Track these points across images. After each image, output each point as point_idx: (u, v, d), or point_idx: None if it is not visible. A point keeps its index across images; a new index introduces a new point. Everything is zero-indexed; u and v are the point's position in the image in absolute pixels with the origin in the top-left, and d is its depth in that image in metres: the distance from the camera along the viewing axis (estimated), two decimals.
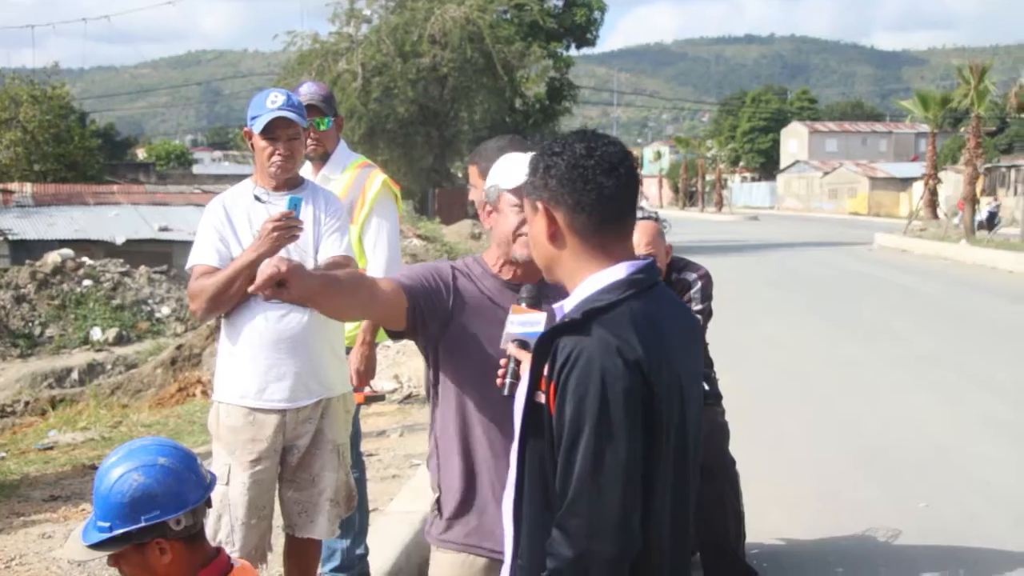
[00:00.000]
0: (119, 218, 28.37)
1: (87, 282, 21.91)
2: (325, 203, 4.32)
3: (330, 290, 2.72)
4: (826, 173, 78.89)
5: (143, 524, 2.68)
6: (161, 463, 2.74)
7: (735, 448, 5.48)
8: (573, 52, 42.31)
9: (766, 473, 7.50)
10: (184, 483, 2.75)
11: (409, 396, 10.75)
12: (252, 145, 4.25)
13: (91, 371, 18.75)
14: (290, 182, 4.27)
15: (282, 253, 4.11)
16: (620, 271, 2.26)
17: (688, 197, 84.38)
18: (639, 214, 5.07)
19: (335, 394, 4.27)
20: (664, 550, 2.27)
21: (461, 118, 36.88)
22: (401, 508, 6.37)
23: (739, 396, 9.42)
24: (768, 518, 6.47)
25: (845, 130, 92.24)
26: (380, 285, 2.92)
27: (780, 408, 10.24)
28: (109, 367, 19.01)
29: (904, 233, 36.41)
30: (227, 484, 4.10)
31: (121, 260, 23.64)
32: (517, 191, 2.94)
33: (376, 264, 4.95)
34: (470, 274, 3.10)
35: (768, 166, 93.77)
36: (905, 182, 66.72)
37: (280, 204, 4.07)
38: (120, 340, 20.69)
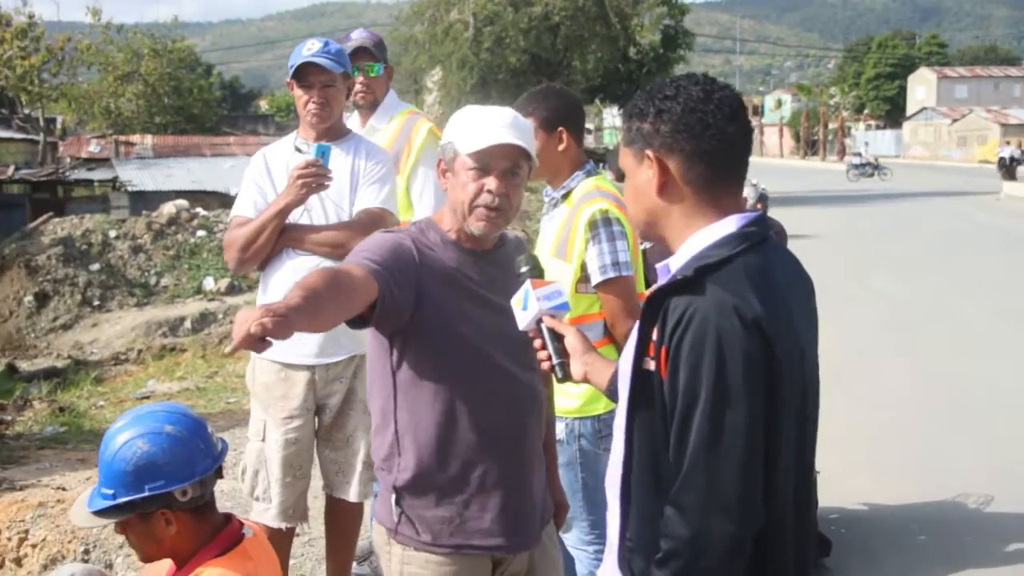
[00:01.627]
0: (234, 169, 28.81)
1: (201, 232, 22.26)
2: (367, 153, 4.19)
3: (315, 310, 2.45)
4: (955, 120, 76.14)
5: (147, 494, 2.61)
6: (168, 431, 2.66)
7: (824, 406, 5.19)
8: None
9: (856, 433, 7.20)
10: (192, 452, 2.66)
11: None
12: (294, 96, 4.15)
13: (203, 320, 19.07)
14: (332, 132, 4.16)
15: (314, 202, 3.98)
16: (730, 224, 2.08)
17: (809, 146, 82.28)
18: None
19: (366, 351, 4.12)
20: (787, 526, 2.08)
21: (574, 68, 36.38)
22: None
23: (836, 350, 9.09)
24: (854, 482, 6.22)
25: (976, 75, 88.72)
26: (353, 274, 2.60)
27: (878, 364, 9.85)
28: (220, 316, 19.33)
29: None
30: (263, 440, 4.04)
31: None
32: (478, 156, 2.71)
33: (422, 214, 4.79)
34: (429, 244, 2.82)
35: (894, 113, 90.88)
36: None
37: None
38: (232, 290, 20.99)
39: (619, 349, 3.68)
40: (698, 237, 2.11)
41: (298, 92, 4.08)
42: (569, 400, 3.79)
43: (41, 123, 35.04)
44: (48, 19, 38.48)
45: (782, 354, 1.98)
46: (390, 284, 2.65)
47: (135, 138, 33.53)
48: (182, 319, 19.20)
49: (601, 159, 39.12)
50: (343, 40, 4.84)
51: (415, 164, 4.83)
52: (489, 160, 2.72)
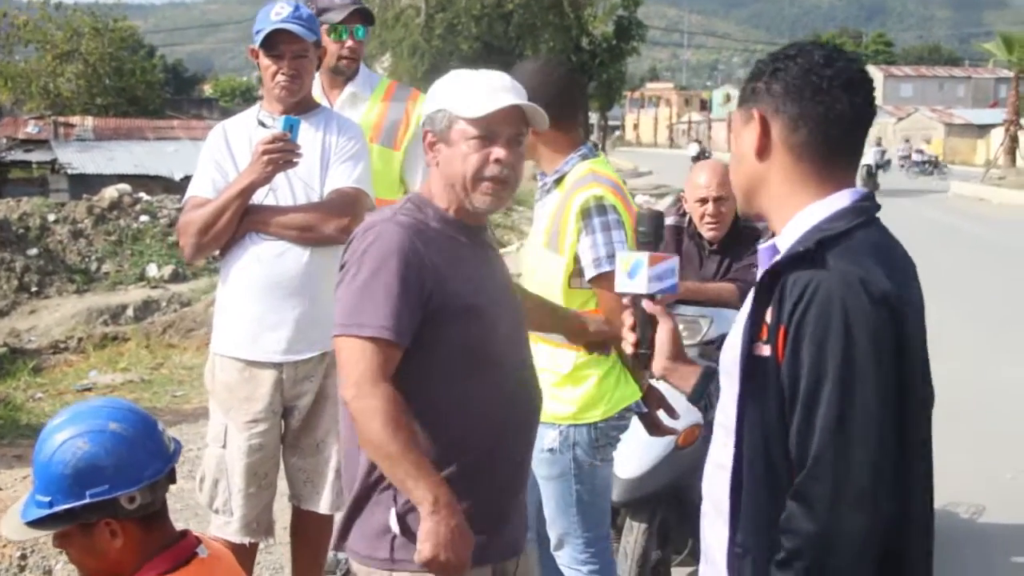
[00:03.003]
0: (178, 153, 28.17)
1: (144, 218, 21.71)
2: (339, 128, 3.78)
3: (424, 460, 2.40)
4: (900, 119, 76.94)
5: (89, 500, 2.24)
6: (112, 429, 2.29)
7: None
8: None
9: None
10: (140, 453, 2.29)
11: None
12: (259, 65, 3.73)
13: (146, 308, 18.57)
14: (301, 106, 3.75)
15: (280, 181, 3.59)
16: (844, 197, 1.97)
17: None
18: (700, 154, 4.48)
19: None
20: (916, 517, 1.94)
21: (526, 56, 36.09)
22: None
23: None
24: None
25: (921, 75, 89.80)
26: (397, 401, 2.39)
27: None
28: (164, 304, 18.81)
29: (982, 181, 35.20)
30: (223, 447, 3.65)
31: (179, 196, 23.41)
32: (482, 122, 2.45)
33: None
34: (427, 227, 2.51)
35: None
36: (983, 129, 64.79)
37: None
38: (176, 277, 20.49)
39: (618, 349, 3.36)
40: (809, 210, 1.97)
41: (265, 62, 3.67)
42: (563, 405, 3.45)
43: None
44: None
45: (910, 330, 1.86)
46: (409, 330, 2.43)
47: (75, 120, 32.60)
48: (124, 307, 18.67)
49: None
50: None
51: (413, 138, 4.39)
52: (494, 127, 2.48)
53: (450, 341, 2.48)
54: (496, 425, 2.55)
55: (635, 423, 3.57)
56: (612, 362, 3.46)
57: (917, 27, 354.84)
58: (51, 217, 19.82)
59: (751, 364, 1.91)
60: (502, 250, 3.33)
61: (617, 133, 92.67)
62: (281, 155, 3.49)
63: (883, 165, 38.58)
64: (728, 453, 1.97)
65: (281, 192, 3.66)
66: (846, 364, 1.78)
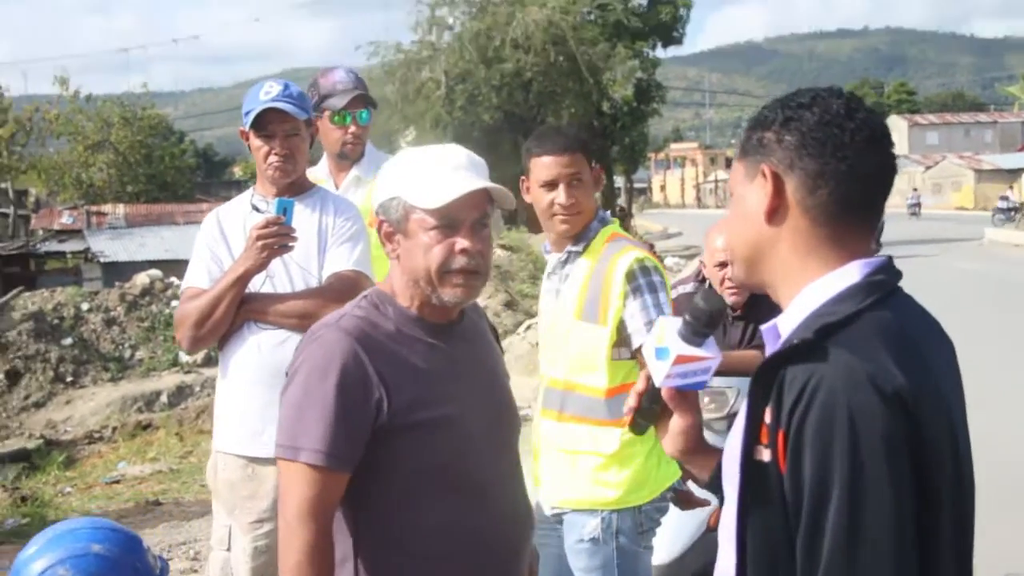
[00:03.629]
0: None
1: (175, 303, 21.81)
2: (335, 208, 3.69)
3: None
4: (928, 167, 76.55)
5: None
6: (95, 551, 2.19)
7: None
8: (660, 52, 41.44)
9: None
10: (126, 575, 2.18)
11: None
12: (250, 147, 3.67)
13: (180, 393, 18.57)
14: (295, 187, 3.67)
15: (277, 267, 3.51)
16: (853, 272, 1.70)
17: None
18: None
19: None
20: None
21: (548, 123, 36.30)
22: None
23: None
24: None
25: (947, 122, 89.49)
26: (326, 531, 2.19)
27: None
28: (197, 389, 18.81)
29: (1016, 227, 34.83)
30: (228, 550, 3.51)
31: None
32: (442, 212, 2.21)
33: None
34: (380, 330, 2.27)
35: None
36: (1013, 173, 64.25)
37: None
38: (209, 361, 20.45)
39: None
40: (813, 289, 1.71)
41: (256, 143, 3.60)
42: (607, 490, 3.29)
43: (10, 195, 34.54)
44: (16, 93, 38.24)
45: (930, 431, 1.59)
46: (351, 453, 2.19)
47: (107, 208, 33.07)
48: (158, 393, 18.66)
49: None
50: (325, 80, 4.37)
51: None
52: (456, 213, 2.23)
53: (409, 461, 2.23)
54: (472, 558, 2.28)
55: None
56: (653, 439, 3.35)
57: (939, 75, 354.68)
58: (84, 306, 19.98)
59: (751, 469, 1.67)
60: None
61: (644, 195, 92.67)
62: (276, 240, 3.40)
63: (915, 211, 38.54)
64: (731, 566, 1.74)
65: (278, 278, 3.57)
66: (854, 474, 1.55)
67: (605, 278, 3.32)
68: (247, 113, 3.61)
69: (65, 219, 32.96)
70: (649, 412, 2.01)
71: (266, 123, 3.57)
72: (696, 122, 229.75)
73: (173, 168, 41.21)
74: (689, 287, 4.58)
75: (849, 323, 1.63)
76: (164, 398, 18.53)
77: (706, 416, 4.46)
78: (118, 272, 24.95)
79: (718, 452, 2.04)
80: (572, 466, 3.35)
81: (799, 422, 1.57)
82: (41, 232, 32.05)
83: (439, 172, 2.24)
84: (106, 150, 38.72)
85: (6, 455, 12.63)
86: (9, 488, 9.87)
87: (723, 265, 4.33)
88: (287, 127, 3.58)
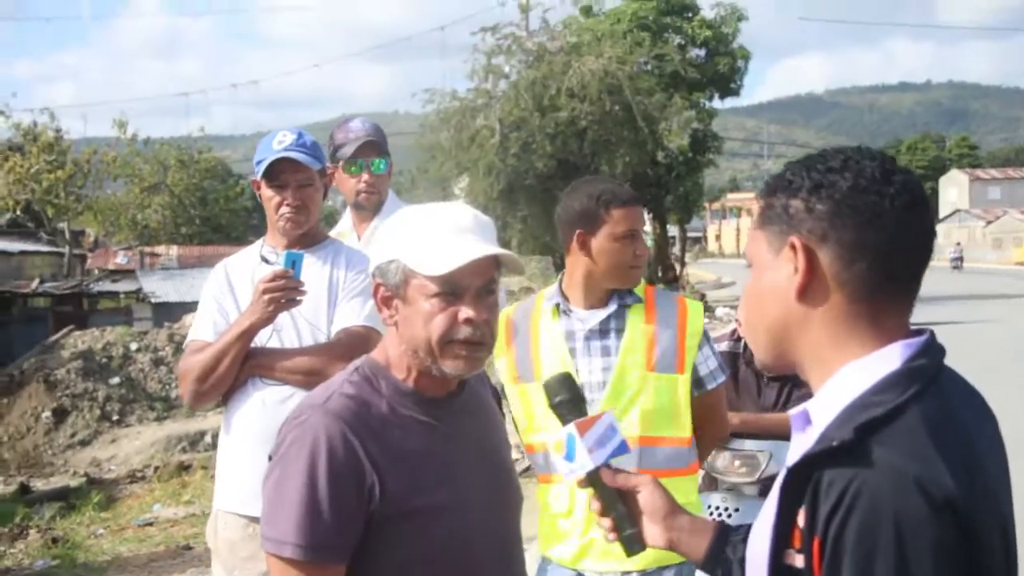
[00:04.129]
0: None
1: None
2: (348, 262, 3.55)
3: None
4: (989, 222, 75.65)
5: None
6: None
7: None
8: (717, 103, 41.35)
9: None
10: None
11: (527, 469, 9.89)
12: (261, 197, 3.55)
13: None
14: (306, 240, 3.54)
15: (284, 321, 3.36)
16: (894, 356, 1.54)
17: None
18: None
19: None
20: None
21: (602, 172, 36.18)
22: None
23: None
24: None
25: (1009, 176, 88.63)
26: None
27: None
28: None
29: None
30: None
31: None
32: (443, 279, 2.01)
33: None
34: (372, 408, 2.07)
35: None
36: None
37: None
38: None
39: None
40: (850, 374, 1.54)
41: (268, 193, 3.49)
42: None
43: (67, 235, 35.09)
44: (76, 136, 38.97)
45: (981, 541, 1.42)
46: (343, 545, 2.00)
47: (160, 249, 33.52)
48: (202, 433, 18.71)
49: None
50: (340, 130, 4.29)
51: None
52: (460, 280, 2.04)
53: (403, 550, 2.04)
54: None
55: None
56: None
57: (1002, 129, 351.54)
58: (133, 346, 20.14)
59: (780, 574, 1.52)
60: None
61: (699, 244, 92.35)
62: (283, 293, 3.26)
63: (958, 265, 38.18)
64: None
65: (286, 333, 3.44)
66: None
67: (681, 328, 3.34)
68: (259, 163, 3.50)
69: (120, 259, 33.43)
70: (620, 519, 1.89)
71: (278, 173, 3.46)
72: (754, 172, 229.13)
73: (228, 211, 41.72)
74: (724, 346, 4.40)
75: (893, 418, 1.46)
76: (208, 438, 18.60)
77: (737, 480, 4.25)
78: (168, 312, 25.23)
79: (709, 524, 1.93)
80: None
81: (838, 529, 1.42)
82: (96, 272, 32.47)
83: (442, 235, 2.05)
84: (161, 192, 39.35)
85: (46, 493, 12.61)
86: (43, 529, 9.79)
87: None
88: (300, 177, 3.48)
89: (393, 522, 2.02)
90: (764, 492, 4.22)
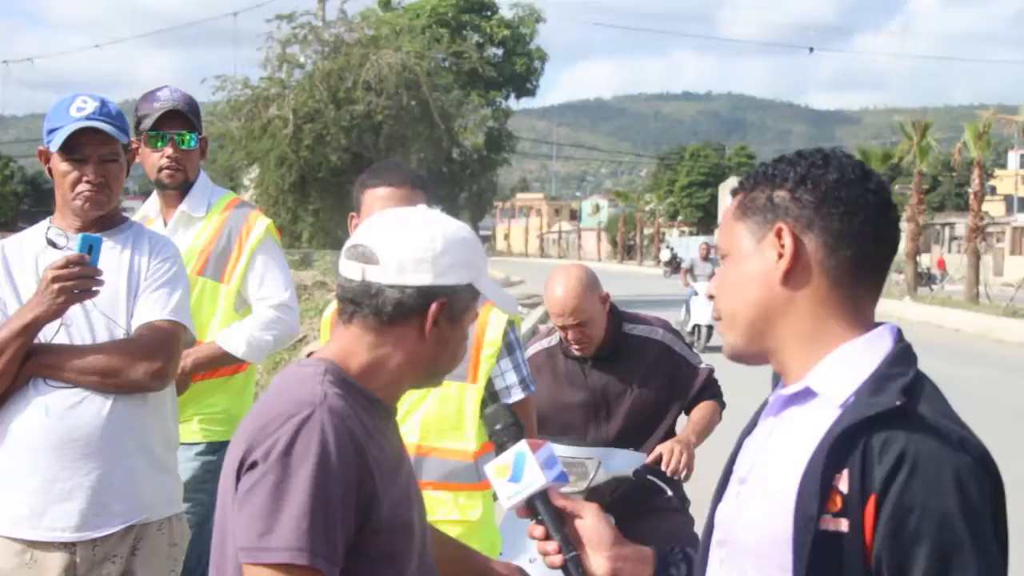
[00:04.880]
0: None
1: None
2: (151, 248, 3.15)
3: None
4: None
5: None
6: None
7: None
8: (513, 102, 41.74)
9: None
10: None
11: None
12: (50, 171, 3.09)
13: None
14: (102, 222, 3.10)
15: (76, 314, 2.95)
16: (885, 337, 1.68)
17: (626, 251, 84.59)
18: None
19: (155, 518, 3.07)
20: None
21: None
22: None
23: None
24: None
25: None
26: None
27: None
28: None
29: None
30: None
31: None
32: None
33: (269, 298, 3.89)
34: (358, 416, 1.92)
35: (706, 220, 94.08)
36: None
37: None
38: None
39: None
40: (853, 352, 1.65)
41: (64, 167, 3.03)
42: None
43: None
44: None
45: (1001, 487, 1.61)
46: (340, 559, 1.84)
47: None
48: None
49: None
50: (146, 100, 3.88)
51: (248, 265, 3.88)
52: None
53: (376, 568, 1.91)
54: None
55: None
56: None
57: (776, 141, 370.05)
58: None
59: (820, 542, 1.56)
60: None
61: (488, 243, 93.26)
62: (76, 283, 2.83)
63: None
64: None
65: (76, 328, 3.00)
66: (959, 539, 1.51)
67: (477, 335, 3.12)
68: (53, 131, 3.02)
69: None
70: (565, 541, 1.90)
71: (78, 144, 3.00)
72: (542, 173, 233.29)
73: None
74: (542, 343, 4.23)
75: (922, 386, 1.62)
76: None
77: (564, 490, 4.05)
78: None
79: (649, 551, 1.97)
80: None
81: (903, 487, 1.52)
82: None
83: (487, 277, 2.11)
84: None
85: None
86: None
87: (563, 328, 3.98)
88: (103, 151, 3.04)
89: (378, 536, 1.90)
90: (591, 500, 4.03)
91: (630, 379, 4.03)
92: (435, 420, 3.11)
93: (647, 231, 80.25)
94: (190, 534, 3.29)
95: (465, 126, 36.98)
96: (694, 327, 18.99)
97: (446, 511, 3.11)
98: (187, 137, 3.86)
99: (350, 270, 2.00)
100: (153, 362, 2.97)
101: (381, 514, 1.89)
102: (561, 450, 3.96)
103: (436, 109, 33.44)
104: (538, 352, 4.17)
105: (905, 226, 35.75)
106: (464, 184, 37.78)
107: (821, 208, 1.66)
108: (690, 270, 20.95)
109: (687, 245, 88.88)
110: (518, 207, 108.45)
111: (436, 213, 2.14)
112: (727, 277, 1.75)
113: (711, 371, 4.18)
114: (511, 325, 3.24)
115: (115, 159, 3.07)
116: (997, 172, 69.43)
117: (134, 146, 3.58)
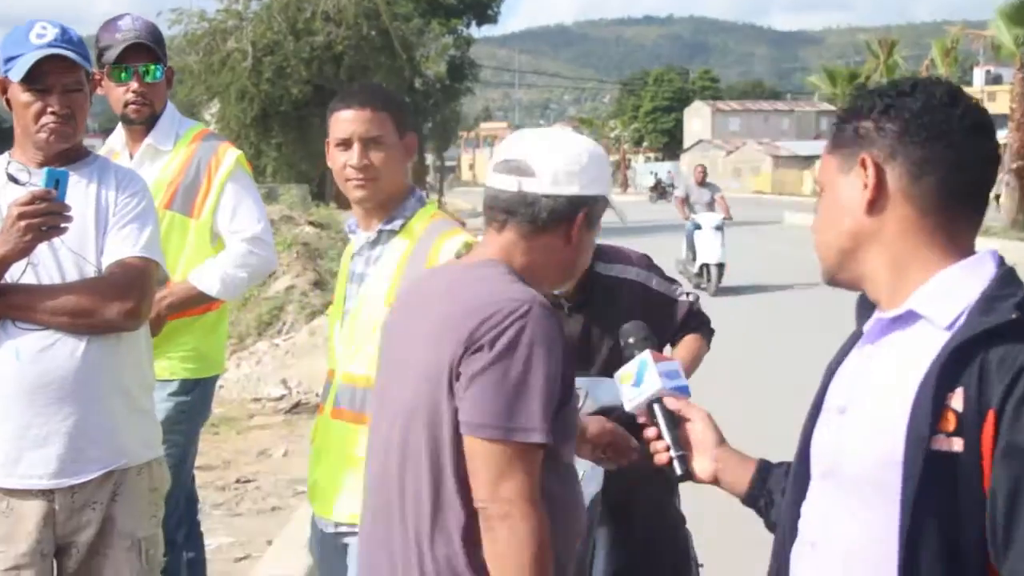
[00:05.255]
0: None
1: None
2: (118, 181, 3.01)
3: None
4: (729, 152, 79.08)
5: None
6: None
7: None
8: (474, 30, 41.22)
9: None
10: None
11: (298, 405, 9.44)
12: (7, 102, 2.93)
13: None
14: (66, 155, 2.96)
15: (43, 252, 2.82)
16: (987, 262, 1.70)
17: None
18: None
19: (134, 463, 2.97)
20: None
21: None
22: (282, 554, 5.15)
23: None
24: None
25: (747, 109, 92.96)
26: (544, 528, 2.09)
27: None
28: None
29: (814, 212, 36.06)
30: None
31: None
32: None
33: (242, 231, 3.79)
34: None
35: (672, 145, 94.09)
36: (808, 160, 66.88)
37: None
38: None
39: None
40: (957, 275, 1.67)
41: (25, 97, 2.86)
42: None
43: None
44: None
45: None
46: None
47: None
48: None
49: None
50: (107, 29, 3.72)
51: (218, 199, 3.77)
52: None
53: (567, 444, 2.24)
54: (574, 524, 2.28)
55: None
56: None
57: (739, 63, 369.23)
58: None
59: (932, 463, 1.57)
60: None
61: (453, 173, 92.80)
62: (44, 220, 2.69)
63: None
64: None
65: (44, 266, 2.86)
66: None
67: (428, 261, 2.87)
68: (12, 59, 2.86)
69: None
70: (675, 440, 2.07)
71: (41, 74, 2.84)
72: (505, 103, 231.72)
73: None
74: None
75: None
76: None
77: None
78: None
79: (751, 460, 2.07)
80: None
81: (1020, 400, 1.53)
82: None
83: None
84: None
85: None
86: None
87: None
88: (68, 80, 2.88)
89: (568, 414, 2.17)
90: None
91: (606, 324, 3.90)
92: None
93: (613, 158, 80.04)
94: (170, 477, 3.20)
95: (427, 55, 36.54)
96: (702, 267, 16.78)
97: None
98: (152, 69, 3.72)
99: (505, 182, 2.22)
100: (126, 301, 2.86)
101: (571, 394, 2.17)
102: None
103: (397, 39, 33.02)
104: None
105: None
106: (428, 114, 37.42)
107: (903, 137, 1.68)
108: (686, 199, 17.82)
109: (654, 171, 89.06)
110: (483, 136, 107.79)
111: (572, 132, 2.41)
112: (822, 207, 1.81)
113: (692, 303, 4.04)
114: (467, 248, 2.99)
115: (79, 88, 2.92)
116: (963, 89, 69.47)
117: (96, 77, 3.44)
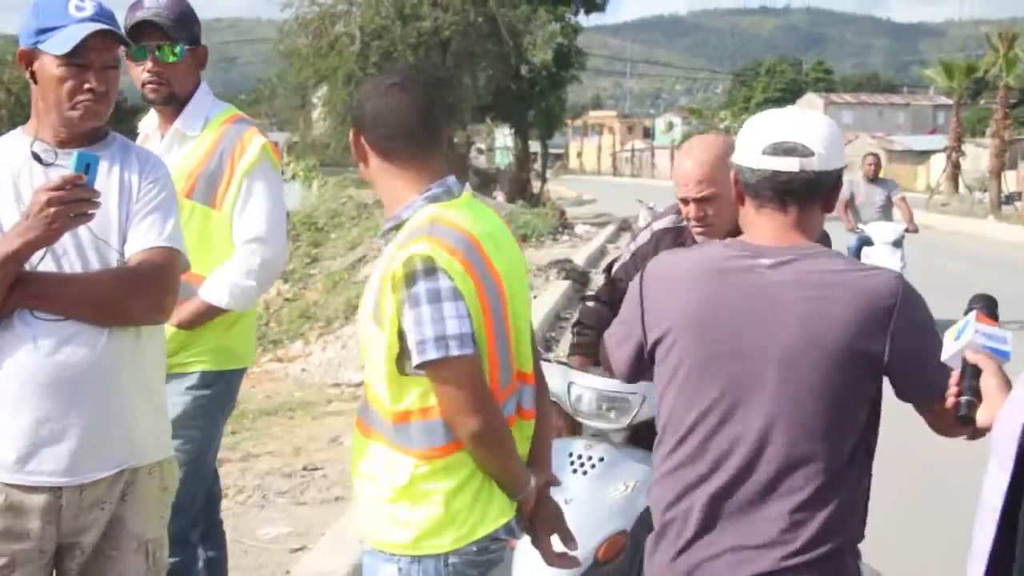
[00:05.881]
0: None
1: None
2: (140, 164, 2.86)
3: None
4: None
5: None
6: None
7: None
8: (583, 19, 40.86)
9: None
10: None
11: None
12: (32, 74, 2.78)
13: None
14: (88, 135, 2.82)
15: (66, 239, 2.68)
16: None
17: None
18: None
19: (146, 462, 2.83)
20: None
21: (464, 85, 35.37)
22: (331, 548, 5.04)
23: None
24: None
25: (862, 102, 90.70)
26: None
27: None
28: None
29: (926, 208, 34.91)
30: None
31: None
32: None
33: (244, 229, 3.61)
34: None
35: None
36: (923, 155, 65.16)
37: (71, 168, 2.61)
38: None
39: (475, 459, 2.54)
40: None
41: (60, 72, 2.70)
42: (399, 530, 2.54)
43: None
44: None
45: None
46: None
47: None
48: None
49: (492, 180, 38.19)
50: (132, 9, 3.60)
51: (239, 192, 3.59)
52: None
53: None
54: None
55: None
56: (469, 471, 2.57)
57: (855, 55, 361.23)
58: None
59: None
60: None
61: (560, 161, 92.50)
62: (74, 206, 2.54)
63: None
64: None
65: (65, 253, 2.72)
66: None
67: (384, 275, 2.54)
68: (47, 31, 2.70)
69: None
70: (969, 386, 2.19)
71: (83, 49, 2.69)
72: (616, 91, 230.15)
73: None
74: (667, 221, 3.83)
75: None
76: None
77: (605, 426, 3.77)
78: None
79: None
80: (369, 494, 2.63)
81: None
82: None
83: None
84: None
85: None
86: None
87: (684, 202, 3.51)
88: (108, 57, 2.75)
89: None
90: (634, 439, 3.75)
91: None
92: (370, 363, 2.61)
93: None
94: (180, 476, 3.06)
95: (534, 43, 36.32)
96: None
97: (380, 469, 2.58)
98: (165, 49, 3.58)
99: (783, 164, 2.40)
100: (152, 294, 2.73)
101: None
102: (603, 385, 3.69)
103: (504, 25, 32.88)
104: (666, 230, 3.79)
105: (989, 142, 34.61)
106: (533, 101, 37.26)
107: None
108: (850, 202, 12.59)
109: None
110: (590, 125, 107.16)
111: (811, 111, 2.65)
112: None
113: None
114: (425, 270, 2.48)
115: (116, 66, 2.79)
116: None
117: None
